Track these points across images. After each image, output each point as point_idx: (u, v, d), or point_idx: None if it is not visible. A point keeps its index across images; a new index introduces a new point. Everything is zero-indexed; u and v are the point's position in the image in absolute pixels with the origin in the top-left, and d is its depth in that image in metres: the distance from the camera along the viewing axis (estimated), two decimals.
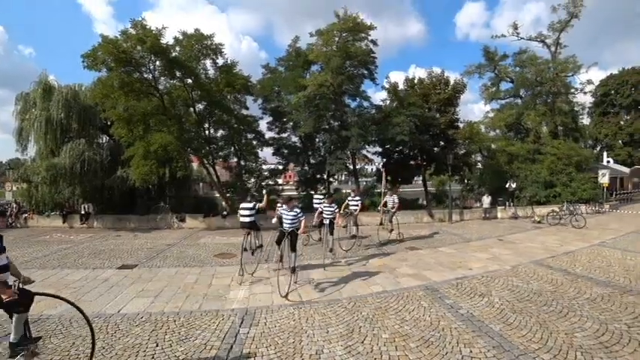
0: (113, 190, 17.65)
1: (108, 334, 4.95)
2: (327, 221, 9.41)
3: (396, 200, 11.54)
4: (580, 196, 18.52)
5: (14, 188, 20.39)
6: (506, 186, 18.97)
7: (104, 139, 19.81)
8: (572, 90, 24.16)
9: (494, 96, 25.49)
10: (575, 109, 25.36)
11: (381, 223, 12.05)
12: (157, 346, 4.55)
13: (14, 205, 19.03)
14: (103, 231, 15.99)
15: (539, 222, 15.56)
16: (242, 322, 5.29)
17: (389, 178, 18.92)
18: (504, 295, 6.19)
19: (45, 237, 14.21)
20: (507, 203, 18.80)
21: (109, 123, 18.29)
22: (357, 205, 10.87)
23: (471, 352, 4.26)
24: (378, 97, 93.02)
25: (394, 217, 11.72)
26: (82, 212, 17.29)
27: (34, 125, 16.98)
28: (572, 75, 23.09)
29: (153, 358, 4.27)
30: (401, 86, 21.87)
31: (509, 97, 25.52)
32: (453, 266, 8.39)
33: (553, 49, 23.42)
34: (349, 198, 11.39)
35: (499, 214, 18.05)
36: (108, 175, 17.31)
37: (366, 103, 20.58)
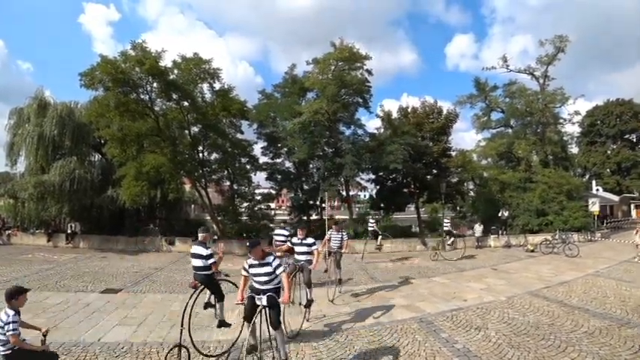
0: (102, 210, 17.33)
1: None
2: (333, 249, 8.65)
3: (345, 237, 8.95)
4: (572, 224, 18.59)
5: (0, 203, 19.89)
6: (499, 214, 19.01)
7: (96, 157, 19.63)
8: (561, 120, 24.86)
9: (486, 125, 26.05)
10: (565, 138, 25.99)
11: (325, 271, 8.81)
12: None
13: None
14: (88, 251, 15.55)
15: (532, 251, 15.50)
16: (229, 356, 5.04)
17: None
18: (501, 329, 6.02)
19: (27, 256, 13.76)
20: (500, 232, 18.78)
21: (102, 141, 18.19)
22: (341, 243, 8.79)
23: None
24: (372, 124, 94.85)
25: (341, 262, 8.84)
26: (69, 231, 16.89)
27: (25, 140, 16.78)
28: (561, 106, 23.82)
29: None
30: (395, 114, 22.28)
31: (500, 127, 26.10)
32: (448, 297, 8.21)
33: (541, 81, 24.21)
34: (330, 233, 9.09)
35: (492, 243, 17.97)
36: (98, 194, 17.04)
37: (360, 131, 20.91)
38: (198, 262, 5.36)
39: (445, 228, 15.84)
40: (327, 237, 9.18)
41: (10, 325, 3.50)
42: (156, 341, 5.53)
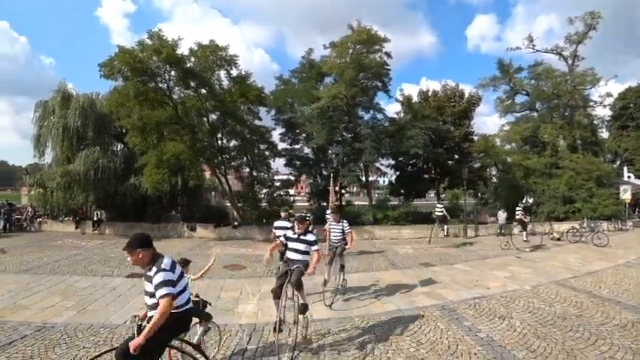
0: (125, 198, 17.78)
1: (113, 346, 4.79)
2: (334, 244, 7.33)
3: (347, 228, 7.34)
4: (601, 212, 17.85)
5: (30, 193, 20.75)
6: (523, 201, 18.39)
7: (118, 146, 20.09)
8: (591, 103, 23.64)
9: (510, 109, 25.09)
10: (595, 122, 24.74)
11: (324, 283, 6.93)
12: None
13: (29, 209, 19.33)
14: (113, 238, 16.05)
15: (558, 239, 14.99)
16: (250, 339, 5.09)
17: (337, 188, 14.01)
18: (526, 318, 5.83)
19: (57, 242, 14.32)
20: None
21: (123, 131, 18.56)
22: (343, 235, 7.34)
23: None
24: (392, 109, 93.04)
25: (343, 257, 7.24)
26: (95, 219, 17.45)
27: (51, 132, 17.33)
28: (591, 88, 22.65)
29: None
30: (415, 99, 21.76)
31: (525, 110, 25.09)
32: (470, 285, 8.04)
33: (570, 61, 23.01)
34: (329, 223, 7.65)
35: (515, 230, 17.49)
36: (121, 182, 17.48)
37: (379, 116, 20.50)
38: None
39: (438, 214, 15.54)
40: (326, 227, 7.75)
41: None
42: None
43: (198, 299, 4.44)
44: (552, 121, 22.58)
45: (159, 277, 3.03)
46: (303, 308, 4.92)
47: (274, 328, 4.67)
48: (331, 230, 7.43)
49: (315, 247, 5.14)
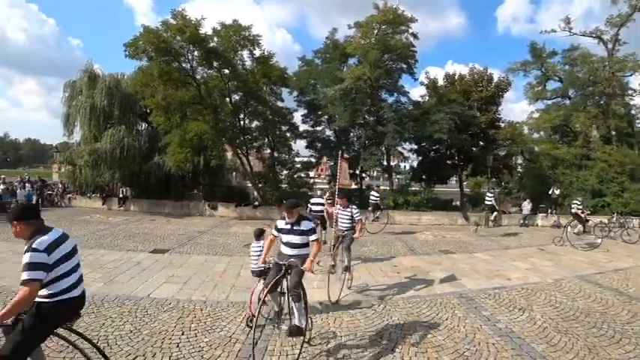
0: (149, 176, 18.28)
1: (137, 318, 5.01)
2: (342, 232, 6.64)
3: (357, 215, 6.59)
4: (633, 208, 17.04)
5: (61, 170, 21.64)
6: (549, 192, 17.77)
7: (143, 126, 20.56)
8: (630, 91, 22.26)
9: (540, 95, 23.96)
10: (633, 112, 23.33)
11: (332, 267, 6.78)
12: (183, 334, 4.53)
13: (60, 186, 20.19)
14: (138, 214, 16.61)
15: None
16: (268, 317, 5.18)
17: (352, 170, 15.48)
18: (547, 312, 5.68)
19: (86, 217, 14.93)
20: (549, 210, 17.65)
21: (147, 111, 18.93)
22: (352, 223, 6.60)
23: None
24: (416, 92, 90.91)
25: (350, 252, 6.59)
26: (120, 195, 18.04)
27: (79, 112, 17.89)
28: (631, 74, 21.25)
29: (177, 346, 4.23)
30: (440, 82, 21.12)
31: (557, 97, 23.94)
32: (490, 274, 7.90)
33: (610, 45, 21.61)
34: (337, 207, 6.94)
35: (539, 222, 17.01)
36: (145, 161, 17.95)
37: (403, 99, 20.14)
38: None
39: (487, 202, 15.03)
40: (334, 211, 7.05)
41: None
42: (200, 299, 5.81)
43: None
44: (586, 109, 21.44)
45: (25, 258, 2.56)
46: (296, 331, 4.00)
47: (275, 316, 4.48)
48: (338, 217, 6.69)
49: (313, 237, 4.33)
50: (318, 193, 11.84)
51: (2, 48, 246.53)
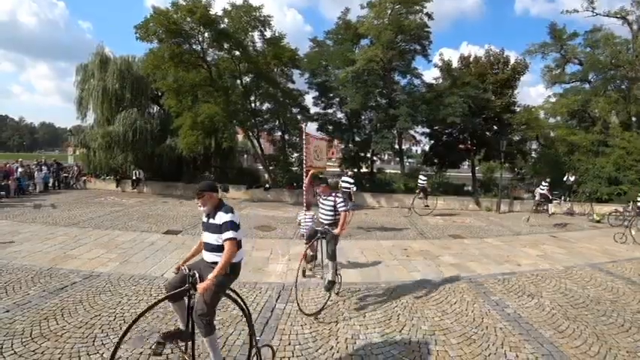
0: (162, 158, 18.47)
1: (152, 296, 5.18)
2: (323, 226, 5.47)
3: (341, 205, 5.35)
4: None
5: (75, 153, 22.02)
6: (564, 179, 17.41)
7: (154, 109, 20.64)
8: None
9: (558, 79, 23.11)
10: None
11: (311, 260, 6.26)
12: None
13: (75, 168, 20.59)
14: (151, 196, 16.90)
15: (598, 221, 14.22)
16: (279, 297, 5.31)
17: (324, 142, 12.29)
18: (556, 299, 5.68)
19: (100, 199, 15.26)
20: (563, 197, 17.36)
21: (159, 93, 18.99)
22: (335, 215, 5.40)
23: (517, 356, 3.94)
24: (430, 75, 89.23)
25: (335, 252, 5.24)
26: (134, 178, 18.31)
27: (92, 95, 17.99)
28: None
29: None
30: (455, 64, 20.62)
31: (576, 81, 23.01)
32: (500, 260, 7.89)
33: (635, 27, 20.61)
34: (320, 197, 5.64)
35: (552, 209, 16.77)
36: (157, 143, 18.10)
37: (416, 81, 19.65)
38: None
39: (541, 192, 14.99)
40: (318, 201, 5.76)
41: None
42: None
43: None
44: (606, 94, 20.65)
45: None
46: (329, 284, 5.21)
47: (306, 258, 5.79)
48: (320, 206, 5.60)
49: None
50: (349, 173, 12.65)
51: (14, 32, 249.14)
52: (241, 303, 3.30)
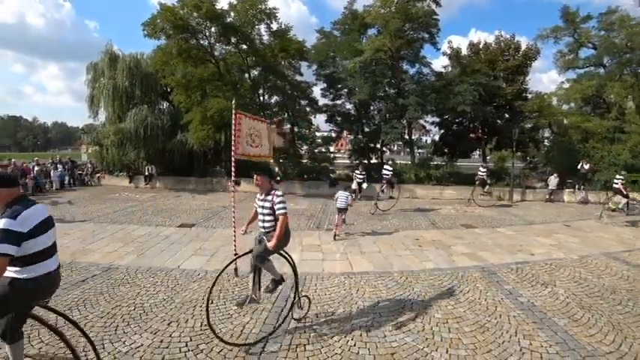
0: (173, 154, 18.67)
1: (169, 288, 5.31)
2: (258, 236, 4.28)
3: (278, 203, 3.95)
4: None
5: (89, 150, 22.43)
6: (578, 167, 17.09)
7: (164, 105, 20.83)
8: None
9: (572, 64, 22.53)
10: None
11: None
12: (212, 302, 4.72)
13: (89, 166, 20.99)
14: (164, 191, 17.15)
15: (613, 210, 13.92)
16: (292, 287, 5.38)
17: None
18: (571, 288, 5.63)
19: (115, 195, 15.54)
20: (577, 186, 17.06)
21: (168, 90, 19.14)
22: (273, 221, 4.03)
23: (531, 344, 3.93)
24: (438, 63, 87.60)
25: (273, 267, 4.28)
26: (146, 173, 18.58)
27: (102, 93, 18.21)
28: None
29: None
30: (464, 52, 20.32)
31: (590, 66, 22.40)
32: (513, 249, 7.84)
33: None
34: (258, 196, 4.22)
35: (566, 198, 16.52)
36: (168, 139, 18.29)
37: (425, 70, 19.44)
38: None
39: (386, 176, 12.89)
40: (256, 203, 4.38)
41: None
42: (226, 270, 6.05)
43: None
44: (621, 78, 20.08)
45: None
46: (274, 285, 4.35)
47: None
48: (257, 207, 4.22)
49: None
50: (390, 162, 13.87)
51: (23, 34, 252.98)
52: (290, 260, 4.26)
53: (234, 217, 5.98)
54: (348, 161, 22.20)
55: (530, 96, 20.43)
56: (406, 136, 19.91)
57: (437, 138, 22.60)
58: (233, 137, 6.00)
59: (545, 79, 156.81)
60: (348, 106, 21.25)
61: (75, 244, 7.53)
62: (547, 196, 16.18)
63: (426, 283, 5.71)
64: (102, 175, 19.96)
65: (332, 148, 23.67)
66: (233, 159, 6.05)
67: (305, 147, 21.04)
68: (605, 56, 21.18)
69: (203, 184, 17.93)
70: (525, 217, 12.13)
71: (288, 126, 20.71)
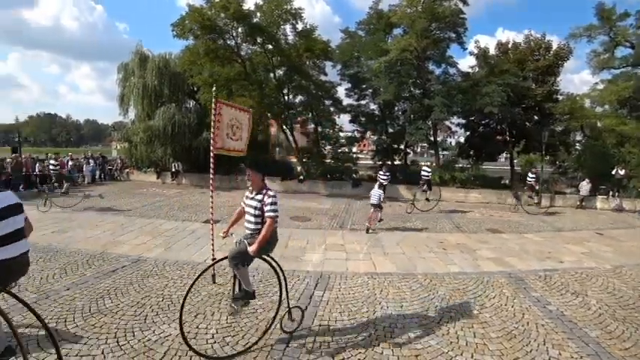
0: (199, 151, 19.09)
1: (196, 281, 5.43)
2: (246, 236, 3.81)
3: (269, 203, 3.61)
4: None
5: (118, 147, 23.31)
6: (612, 172, 16.31)
7: (191, 103, 21.33)
8: None
9: (607, 64, 21.51)
10: None
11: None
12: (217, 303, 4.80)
13: (118, 162, 21.81)
14: (189, 187, 17.62)
15: None
16: (316, 285, 5.44)
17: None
18: (603, 298, 5.39)
19: (143, 190, 16.08)
20: (611, 193, 16.29)
21: (195, 89, 19.58)
22: (261, 218, 3.68)
23: (561, 354, 3.81)
24: (465, 63, 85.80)
25: (247, 277, 4.22)
26: (173, 170, 19.12)
27: (132, 92, 18.90)
28: None
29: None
30: (491, 51, 19.76)
31: (627, 66, 21.36)
32: (541, 256, 7.60)
33: None
34: (247, 194, 3.88)
35: (598, 204, 15.81)
36: (194, 136, 18.74)
37: (452, 70, 19.09)
38: None
39: (425, 177, 13.14)
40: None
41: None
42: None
43: None
44: None
45: None
46: (242, 296, 4.07)
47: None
48: (245, 207, 3.88)
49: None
50: (428, 163, 14.87)
51: (59, 36, 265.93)
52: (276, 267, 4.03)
53: (211, 214, 6.03)
54: (370, 162, 22.02)
55: (561, 97, 19.66)
56: (431, 138, 19.60)
57: (462, 140, 22.10)
58: (212, 129, 5.56)
59: (577, 80, 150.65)
60: (373, 106, 21.10)
61: (105, 236, 7.85)
62: (578, 203, 15.55)
63: (450, 286, 5.63)
64: (131, 171, 20.68)
65: (355, 149, 23.60)
66: (212, 154, 5.69)
67: (328, 147, 21.06)
68: None
69: (227, 182, 18.27)
70: (554, 223, 11.71)
71: (312, 126, 20.80)
